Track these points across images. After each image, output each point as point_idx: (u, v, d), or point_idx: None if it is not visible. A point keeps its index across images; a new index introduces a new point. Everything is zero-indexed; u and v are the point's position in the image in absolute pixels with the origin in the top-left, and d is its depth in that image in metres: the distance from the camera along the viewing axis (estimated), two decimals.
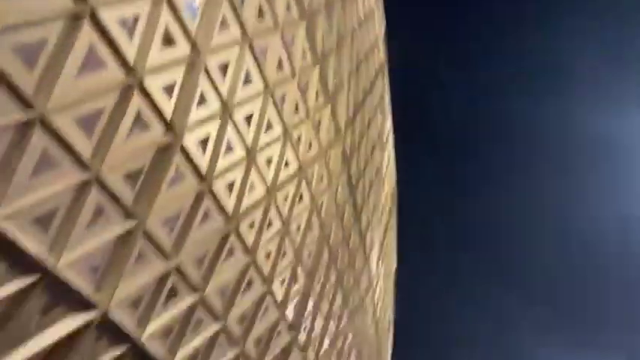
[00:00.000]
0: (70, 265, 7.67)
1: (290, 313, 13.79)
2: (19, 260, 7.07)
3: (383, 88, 23.47)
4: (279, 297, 13.06)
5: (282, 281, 13.28)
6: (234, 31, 10.30)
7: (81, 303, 7.99)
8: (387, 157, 25.67)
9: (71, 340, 7.95)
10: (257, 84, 11.21)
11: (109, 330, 8.58)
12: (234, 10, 10.07)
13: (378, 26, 22.60)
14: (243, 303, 11.73)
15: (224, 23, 10.00)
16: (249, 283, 11.88)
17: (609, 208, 51.87)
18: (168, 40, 9.27)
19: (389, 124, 25.42)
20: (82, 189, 7.81)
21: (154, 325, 9.30)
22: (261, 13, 11.06)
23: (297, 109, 12.95)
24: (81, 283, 7.88)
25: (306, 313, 14.68)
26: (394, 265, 30.46)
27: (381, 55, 23.02)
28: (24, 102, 6.89)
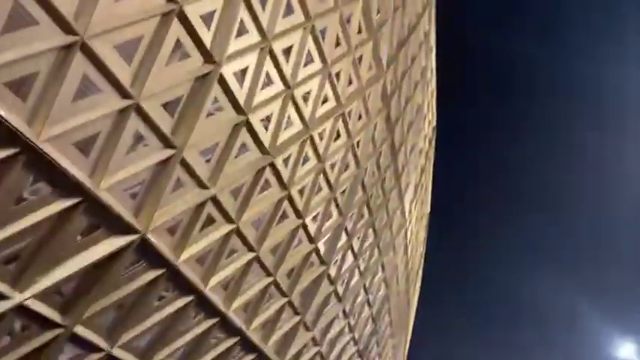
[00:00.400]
0: (110, 189, 7.92)
1: (322, 247, 14.05)
2: (62, 183, 7.34)
3: (429, 24, 22.41)
4: (312, 231, 13.26)
5: (315, 216, 13.44)
6: None
7: (120, 226, 8.31)
8: (430, 96, 24.92)
9: (110, 261, 8.35)
10: (298, 15, 10.85)
11: (146, 253, 8.96)
12: None
13: None
14: (277, 235, 11.98)
15: None
16: (283, 217, 12.07)
17: None
18: None
19: (433, 62, 24.47)
20: (123, 115, 7.91)
21: (190, 251, 9.64)
22: None
23: (338, 42, 12.55)
24: (120, 207, 8.16)
25: (337, 248, 14.92)
26: (427, 209, 30.35)
27: None
28: (65, 26, 6.89)
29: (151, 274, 9.26)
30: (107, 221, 8.20)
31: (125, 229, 8.39)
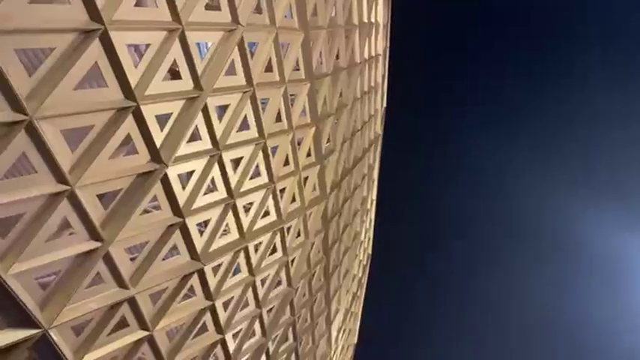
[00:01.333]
0: (20, 275, 7.35)
1: None
2: None
3: (374, 160, 23.81)
4: (231, 349, 12.55)
5: (237, 333, 12.81)
6: (240, 78, 10.49)
7: (21, 318, 7.61)
8: (367, 225, 25.65)
9: (3, 354, 7.50)
10: (252, 131, 11.30)
11: (44, 352, 8.12)
12: (244, 58, 10.30)
13: (380, 101, 23.24)
14: (192, 349, 11.23)
15: (231, 68, 10.19)
16: (203, 329, 11.44)
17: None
18: (173, 73, 9.43)
19: (374, 194, 25.60)
20: (53, 200, 7.63)
21: (94, 355, 8.83)
22: (269, 67, 11.31)
23: (286, 162, 13.01)
24: (27, 296, 7.53)
25: None
26: (355, 339, 29.69)
27: (377, 128, 23.51)
28: (16, 104, 6.86)
29: None
30: (9, 309, 7.50)
31: (26, 321, 7.67)
